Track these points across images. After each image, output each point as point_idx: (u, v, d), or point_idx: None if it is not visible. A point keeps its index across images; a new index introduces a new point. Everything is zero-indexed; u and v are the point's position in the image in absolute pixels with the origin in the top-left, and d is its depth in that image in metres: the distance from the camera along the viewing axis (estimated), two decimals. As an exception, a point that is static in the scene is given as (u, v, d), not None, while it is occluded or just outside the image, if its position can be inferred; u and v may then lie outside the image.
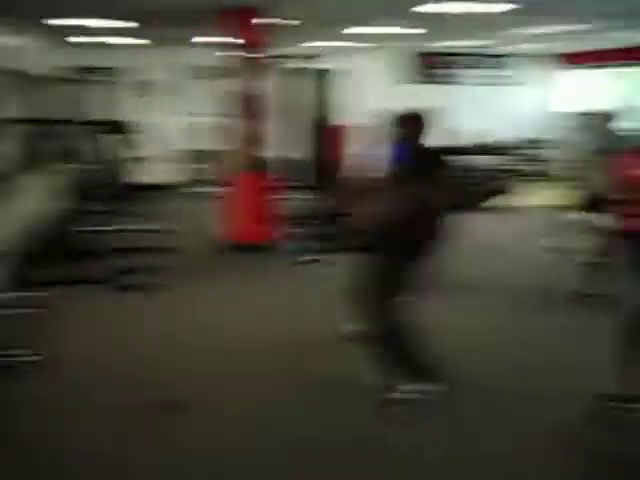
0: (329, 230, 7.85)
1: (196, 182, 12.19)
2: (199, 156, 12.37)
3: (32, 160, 8.58)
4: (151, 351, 4.99)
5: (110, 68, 11.92)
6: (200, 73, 12.13)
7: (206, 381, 4.47)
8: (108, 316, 5.76)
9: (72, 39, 10.16)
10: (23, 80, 8.74)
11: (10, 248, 6.63)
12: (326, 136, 9.76)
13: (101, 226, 8.31)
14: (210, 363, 4.78)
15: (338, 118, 10.71)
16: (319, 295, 6.20)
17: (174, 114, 12.30)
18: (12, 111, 8.12)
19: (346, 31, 9.33)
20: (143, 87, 12.20)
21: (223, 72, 8.21)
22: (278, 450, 3.62)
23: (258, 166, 7.81)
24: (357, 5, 7.04)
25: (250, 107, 7.75)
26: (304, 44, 11.25)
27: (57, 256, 6.82)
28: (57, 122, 9.46)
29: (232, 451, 3.60)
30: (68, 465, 3.45)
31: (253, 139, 7.79)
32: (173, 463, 3.49)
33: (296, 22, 8.30)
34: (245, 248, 7.65)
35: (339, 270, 6.64)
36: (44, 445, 3.64)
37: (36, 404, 4.12)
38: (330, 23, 8.60)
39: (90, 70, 11.61)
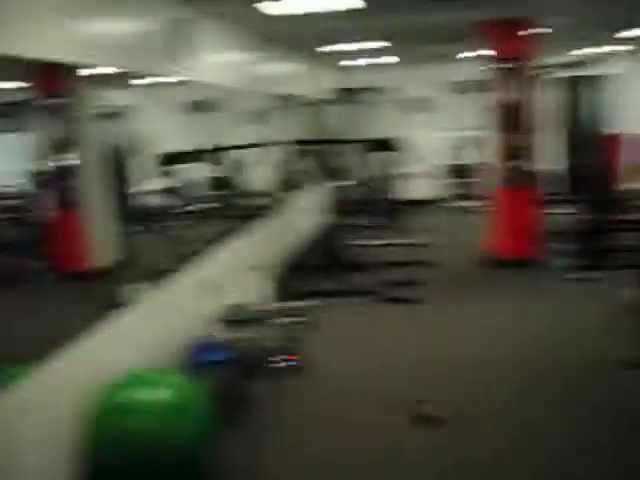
0: (594, 246, 7.40)
1: (457, 197, 12.15)
2: (460, 171, 12.32)
3: (308, 177, 9.12)
4: (409, 363, 5.04)
5: (376, 88, 12.28)
6: (461, 88, 12.10)
7: (463, 395, 4.41)
8: (372, 327, 5.93)
9: (342, 63, 10.63)
10: (301, 104, 9.34)
11: (284, 260, 7.08)
12: (595, 146, 9.20)
13: (368, 240, 8.61)
14: (468, 378, 4.71)
15: (610, 126, 10.07)
16: (588, 314, 5.84)
17: (435, 130, 12.37)
18: (291, 133, 8.68)
19: (619, 35, 8.76)
20: (407, 104, 12.43)
21: (484, 86, 8.09)
22: (532, 470, 3.47)
23: (521, 180, 7.57)
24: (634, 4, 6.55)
25: (513, 120, 7.55)
26: (572, 51, 10.76)
27: (327, 268, 7.15)
28: (331, 142, 10.00)
29: (485, 467, 3.53)
30: (321, 472, 3.57)
31: (516, 152, 7.57)
32: (424, 477, 3.48)
33: (560, 30, 7.94)
34: (507, 263, 7.46)
35: (608, 288, 6.24)
36: (298, 449, 3.82)
37: (293, 409, 4.32)
38: (600, 27, 8.12)
39: (358, 91, 12.08)
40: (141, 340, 3.93)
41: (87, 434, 3.15)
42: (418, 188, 12.26)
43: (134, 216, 5.70)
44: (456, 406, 4.19)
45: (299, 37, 7.41)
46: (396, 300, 6.46)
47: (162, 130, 7.34)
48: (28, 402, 2.90)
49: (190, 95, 6.64)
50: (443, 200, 12.28)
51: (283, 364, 4.88)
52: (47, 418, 3.01)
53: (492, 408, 4.21)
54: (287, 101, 8.93)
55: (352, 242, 8.23)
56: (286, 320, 5.42)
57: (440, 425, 3.94)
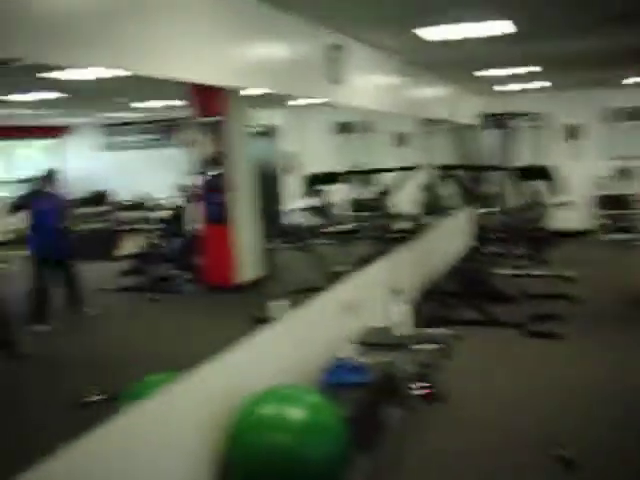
0: None
1: (609, 229, 11.59)
2: (613, 202, 11.75)
3: (452, 202, 9.02)
4: (545, 399, 4.83)
5: (527, 113, 11.97)
6: (616, 115, 11.58)
7: (600, 438, 4.17)
8: (509, 359, 5.74)
9: (494, 88, 10.48)
10: (450, 128, 9.28)
11: (425, 285, 7.01)
12: None
13: (512, 270, 8.39)
14: (608, 420, 4.43)
15: None
16: None
17: (587, 158, 11.89)
18: (437, 157, 8.64)
19: None
20: (558, 131, 12.04)
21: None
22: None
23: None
24: None
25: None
26: None
27: (468, 296, 7.00)
28: (478, 168, 9.85)
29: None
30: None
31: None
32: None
33: None
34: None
35: None
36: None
37: (426, 438, 4.29)
38: None
39: (508, 116, 11.82)
40: (281, 356, 3.99)
41: (225, 446, 3.22)
42: (568, 218, 11.79)
43: (280, 233, 5.88)
44: (593, 449, 3.98)
45: (448, 62, 7.37)
46: (537, 334, 6.23)
47: (310, 150, 7.49)
48: (169, 409, 3.00)
49: (339, 117, 6.74)
50: (594, 232, 11.76)
51: (418, 391, 4.82)
52: (187, 427, 3.10)
53: (626, 450, 3.97)
54: (435, 125, 8.89)
55: (495, 271, 8.04)
56: (423, 347, 5.35)
57: (575, 469, 3.75)
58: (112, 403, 3.41)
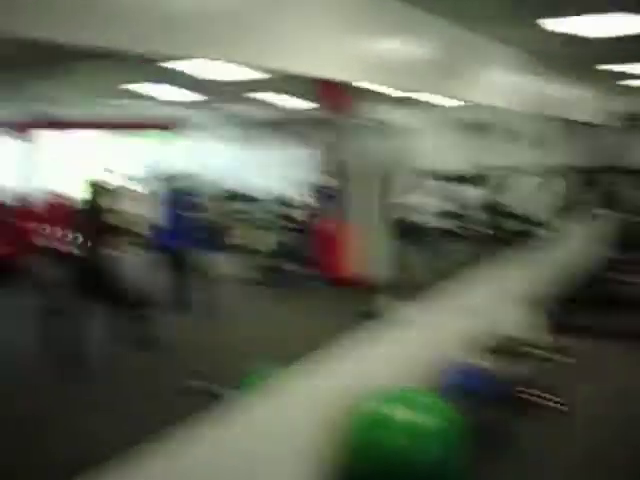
0: None
1: None
2: None
3: (576, 206, 8.67)
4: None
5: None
6: None
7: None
8: (623, 373, 5.44)
9: (629, 85, 9.95)
10: (570, 127, 8.91)
11: (550, 291, 6.76)
12: None
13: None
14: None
15: None
16: None
17: None
18: (566, 158, 8.31)
19: None
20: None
21: None
22: None
23: None
24: None
25: None
26: None
27: (598, 305, 6.68)
28: (602, 170, 9.43)
29: None
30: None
31: None
32: None
33: None
34: None
35: None
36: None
37: (544, 449, 4.15)
38: None
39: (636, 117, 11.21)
40: (398, 356, 3.93)
41: (336, 445, 3.19)
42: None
43: (398, 231, 5.79)
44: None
45: (573, 57, 7.04)
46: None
47: (429, 148, 7.38)
48: (280, 404, 3.00)
49: (459, 114, 6.60)
50: None
51: (537, 400, 4.65)
52: (298, 423, 3.09)
53: None
54: (564, 124, 8.57)
55: (631, 280, 7.63)
56: (546, 355, 5.16)
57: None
58: (219, 392, 3.43)
